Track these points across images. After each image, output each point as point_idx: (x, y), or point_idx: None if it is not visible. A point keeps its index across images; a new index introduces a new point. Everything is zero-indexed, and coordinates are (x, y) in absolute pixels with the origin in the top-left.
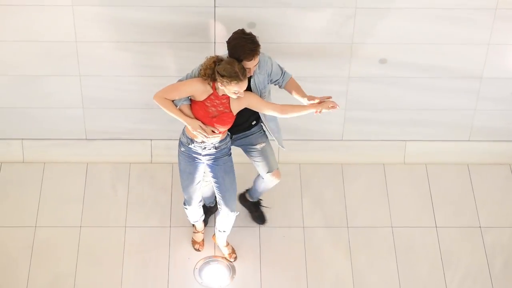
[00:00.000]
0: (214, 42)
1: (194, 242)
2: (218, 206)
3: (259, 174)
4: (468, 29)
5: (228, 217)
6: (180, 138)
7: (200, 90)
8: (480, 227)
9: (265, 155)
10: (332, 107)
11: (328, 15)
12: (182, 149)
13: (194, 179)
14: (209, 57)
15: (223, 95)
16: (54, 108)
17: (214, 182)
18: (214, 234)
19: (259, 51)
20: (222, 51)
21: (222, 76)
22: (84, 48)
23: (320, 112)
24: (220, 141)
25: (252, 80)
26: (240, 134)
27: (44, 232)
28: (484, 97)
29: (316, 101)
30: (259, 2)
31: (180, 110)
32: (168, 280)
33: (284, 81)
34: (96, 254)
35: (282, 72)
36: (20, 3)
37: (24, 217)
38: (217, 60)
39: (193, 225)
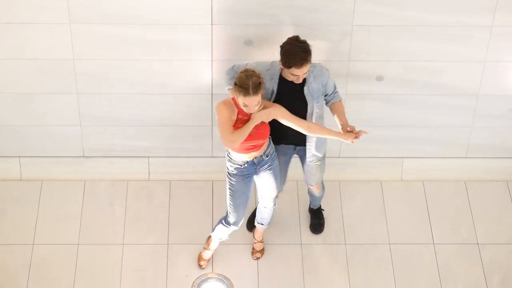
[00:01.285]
0: (211, 60)
1: (200, 259)
2: (260, 199)
3: None
4: (465, 47)
5: (268, 209)
6: (230, 161)
7: (230, 111)
8: (477, 243)
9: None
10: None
11: (324, 32)
12: (234, 171)
13: (248, 196)
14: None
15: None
16: (51, 126)
17: (262, 183)
18: (255, 227)
19: (309, 60)
20: (220, 68)
21: (235, 84)
22: (82, 66)
23: (353, 142)
24: (267, 147)
25: (305, 87)
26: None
27: (42, 250)
28: (481, 114)
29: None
30: (256, 20)
31: (245, 125)
32: None
33: (333, 100)
34: (93, 271)
35: (334, 90)
36: (18, 21)
37: (21, 234)
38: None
39: (207, 242)
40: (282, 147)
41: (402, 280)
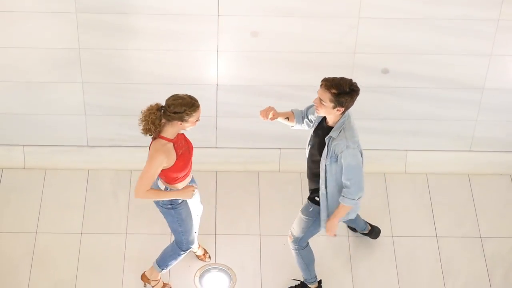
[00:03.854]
0: (217, 51)
1: (198, 257)
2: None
3: None
4: (471, 40)
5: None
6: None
7: (167, 155)
8: (480, 237)
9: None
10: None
11: (331, 24)
12: (180, 201)
13: (192, 215)
14: (147, 109)
15: (178, 135)
16: (56, 115)
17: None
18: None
19: (331, 93)
20: (225, 59)
21: (183, 111)
22: (87, 55)
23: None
24: None
25: (327, 137)
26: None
27: (45, 239)
28: (486, 108)
29: None
30: (262, 11)
31: (168, 193)
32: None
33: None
34: (96, 260)
35: (345, 185)
36: (24, 10)
37: (25, 223)
38: (160, 107)
39: (157, 280)
40: None
41: (405, 273)
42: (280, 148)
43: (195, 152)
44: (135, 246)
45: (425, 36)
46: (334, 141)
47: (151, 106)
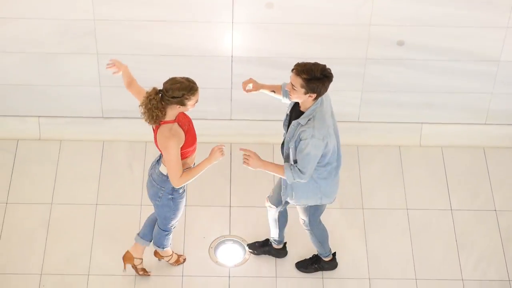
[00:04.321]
0: (232, 23)
1: (177, 261)
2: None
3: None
4: (487, 12)
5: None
6: (176, 191)
7: (177, 136)
8: (495, 210)
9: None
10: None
11: None
12: (181, 190)
13: None
14: (145, 97)
15: (179, 114)
16: (71, 86)
17: None
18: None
19: (303, 78)
20: (240, 31)
21: (181, 96)
22: (102, 27)
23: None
24: None
25: (295, 121)
26: None
27: (60, 210)
28: (501, 81)
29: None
30: None
31: (198, 166)
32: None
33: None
34: (111, 232)
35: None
36: None
37: (40, 194)
38: (158, 91)
39: (163, 256)
40: None
41: (419, 245)
42: None
43: (210, 124)
44: None
45: (442, 8)
46: (301, 128)
47: (148, 92)
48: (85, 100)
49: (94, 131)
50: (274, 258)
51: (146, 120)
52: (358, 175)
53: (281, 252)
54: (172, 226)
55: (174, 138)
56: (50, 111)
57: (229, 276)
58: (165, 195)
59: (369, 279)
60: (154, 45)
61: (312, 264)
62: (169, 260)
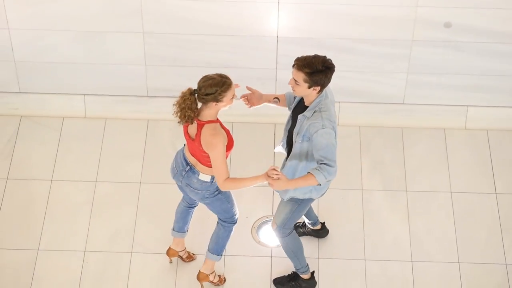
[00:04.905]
0: (278, 2)
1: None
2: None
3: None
4: None
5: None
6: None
7: (223, 135)
8: None
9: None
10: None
11: None
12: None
13: None
14: (180, 96)
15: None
16: (117, 65)
17: None
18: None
19: (305, 73)
20: (286, 11)
21: (215, 92)
22: (149, 5)
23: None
24: None
25: (301, 115)
26: None
27: (104, 187)
28: None
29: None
30: None
31: (250, 178)
32: None
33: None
34: (155, 210)
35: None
36: None
37: (84, 172)
38: (193, 91)
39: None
40: None
41: (463, 229)
42: (339, 102)
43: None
44: None
45: None
46: (308, 121)
47: (183, 93)
48: (131, 79)
49: (139, 109)
50: (317, 238)
51: (178, 120)
52: (403, 158)
53: (321, 232)
54: (235, 213)
55: (220, 136)
56: (95, 89)
57: (271, 256)
58: (211, 195)
59: (412, 261)
60: (199, 24)
61: (289, 281)
62: (213, 278)
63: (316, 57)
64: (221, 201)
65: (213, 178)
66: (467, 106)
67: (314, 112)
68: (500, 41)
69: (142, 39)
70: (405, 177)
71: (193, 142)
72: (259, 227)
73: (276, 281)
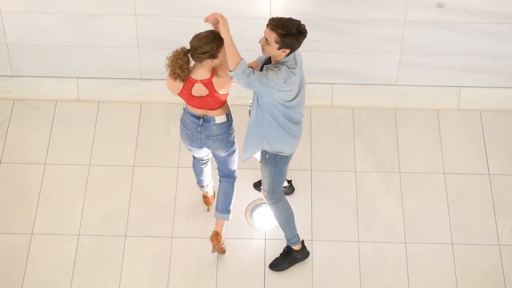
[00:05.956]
0: None
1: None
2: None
3: None
4: None
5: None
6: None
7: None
8: None
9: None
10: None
11: None
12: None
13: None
14: (173, 54)
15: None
16: (109, 47)
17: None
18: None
19: (275, 31)
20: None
21: (211, 49)
22: None
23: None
24: None
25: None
26: None
27: (98, 171)
28: None
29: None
30: None
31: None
32: None
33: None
34: (149, 193)
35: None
36: None
37: (78, 155)
38: (187, 51)
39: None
40: None
41: (456, 210)
42: (332, 83)
43: None
44: (187, 179)
45: None
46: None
47: (176, 51)
48: (123, 61)
49: (132, 92)
50: (310, 220)
51: (168, 76)
52: (396, 139)
53: (289, 190)
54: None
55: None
56: (88, 72)
57: (265, 239)
58: (231, 134)
59: (405, 243)
60: (192, 6)
61: (284, 259)
62: (222, 242)
63: (291, 20)
64: (233, 143)
65: (227, 115)
66: (460, 87)
67: (278, 63)
68: (493, 21)
69: (134, 21)
70: (399, 159)
71: (206, 97)
72: (252, 210)
73: (272, 265)
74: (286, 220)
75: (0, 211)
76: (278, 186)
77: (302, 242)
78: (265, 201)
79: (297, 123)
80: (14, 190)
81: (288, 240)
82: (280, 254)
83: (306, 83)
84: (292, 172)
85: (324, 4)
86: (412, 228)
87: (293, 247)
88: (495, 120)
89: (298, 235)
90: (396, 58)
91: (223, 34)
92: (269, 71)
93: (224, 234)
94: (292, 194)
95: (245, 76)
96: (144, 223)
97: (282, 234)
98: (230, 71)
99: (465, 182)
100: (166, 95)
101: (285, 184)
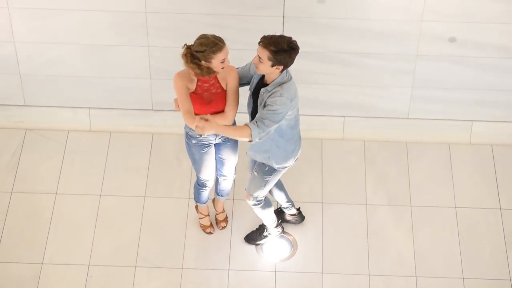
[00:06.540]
0: (283, 16)
1: (204, 228)
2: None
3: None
4: None
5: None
6: (188, 132)
7: (185, 81)
8: None
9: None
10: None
11: None
12: (194, 141)
13: (211, 162)
14: (182, 55)
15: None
16: (122, 78)
17: (221, 158)
18: (214, 198)
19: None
20: (291, 26)
21: (203, 51)
22: (154, 19)
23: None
24: None
25: (263, 89)
26: None
27: (108, 201)
28: None
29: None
30: None
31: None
32: (230, 252)
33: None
34: (159, 224)
35: (260, 115)
36: None
37: (89, 185)
38: (188, 46)
39: (198, 211)
40: None
41: (467, 244)
42: (344, 116)
43: None
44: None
45: (494, 4)
46: (268, 94)
47: (182, 51)
48: (136, 92)
49: (143, 123)
50: (320, 253)
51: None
52: (407, 172)
53: (297, 218)
54: (201, 174)
55: (178, 75)
56: (100, 102)
57: (275, 271)
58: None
59: (416, 277)
60: None
61: (259, 234)
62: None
63: (282, 37)
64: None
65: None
66: (472, 121)
67: (275, 87)
68: (505, 56)
69: (147, 52)
70: (410, 192)
71: (220, 93)
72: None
73: (248, 238)
74: (267, 215)
75: (10, 240)
76: (265, 193)
77: (299, 208)
78: (248, 202)
79: (294, 135)
80: (25, 219)
81: (268, 227)
82: (256, 229)
83: (318, 115)
84: (303, 204)
85: (336, 37)
86: (423, 262)
87: (287, 212)
88: (507, 154)
89: (276, 219)
90: (407, 91)
91: (214, 130)
92: (273, 105)
93: (233, 266)
94: (302, 223)
95: (263, 134)
96: (154, 254)
97: (292, 267)
98: (250, 141)
99: (476, 216)
100: (178, 126)
101: (294, 212)
